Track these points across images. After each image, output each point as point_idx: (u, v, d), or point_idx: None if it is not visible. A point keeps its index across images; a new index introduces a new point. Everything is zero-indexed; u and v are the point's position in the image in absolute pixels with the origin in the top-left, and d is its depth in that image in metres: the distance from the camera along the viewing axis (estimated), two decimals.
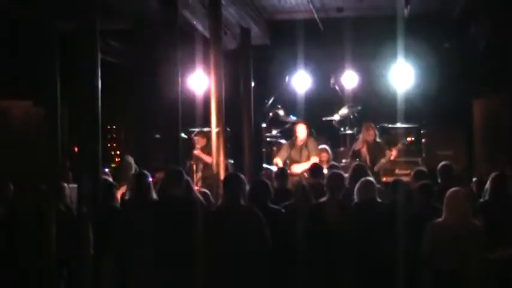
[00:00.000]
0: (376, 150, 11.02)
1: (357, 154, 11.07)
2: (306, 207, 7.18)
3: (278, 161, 11.21)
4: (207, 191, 8.24)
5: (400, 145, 11.22)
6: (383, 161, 10.85)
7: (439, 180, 8.21)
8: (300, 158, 11.15)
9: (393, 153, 10.89)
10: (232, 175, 7.30)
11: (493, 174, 7.48)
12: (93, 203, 6.43)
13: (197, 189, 8.82)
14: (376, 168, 10.63)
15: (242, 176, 6.79)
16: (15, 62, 11.03)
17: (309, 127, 11.48)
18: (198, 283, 6.68)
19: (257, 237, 6.49)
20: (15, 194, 8.09)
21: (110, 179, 8.09)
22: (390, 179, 9.00)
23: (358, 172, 8.26)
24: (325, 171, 9.38)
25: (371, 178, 7.50)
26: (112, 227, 7.03)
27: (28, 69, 10.14)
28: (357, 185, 7.21)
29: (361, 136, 11.33)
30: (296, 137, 11.34)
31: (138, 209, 7.15)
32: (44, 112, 8.31)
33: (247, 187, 7.12)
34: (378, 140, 11.29)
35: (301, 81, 13.85)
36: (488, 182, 7.47)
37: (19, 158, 10.46)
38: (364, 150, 11.00)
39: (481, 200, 7.44)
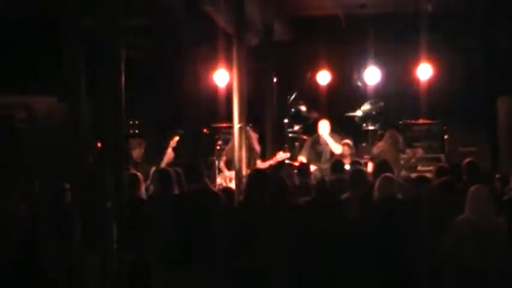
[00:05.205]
0: (398, 152, 10.98)
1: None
2: (326, 204, 7.16)
3: (302, 158, 11.15)
4: (230, 186, 8.26)
5: (420, 150, 11.18)
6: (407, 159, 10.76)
7: (464, 177, 8.16)
8: (323, 154, 11.10)
9: (416, 155, 10.88)
10: (255, 172, 7.33)
11: None
12: (117, 198, 6.47)
13: (219, 185, 8.87)
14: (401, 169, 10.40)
15: (265, 172, 6.81)
16: (39, 58, 11.12)
17: (331, 123, 11.45)
18: (219, 278, 6.72)
19: (279, 234, 6.51)
20: (39, 190, 8.17)
21: (134, 172, 8.14)
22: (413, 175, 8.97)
23: (381, 168, 8.21)
24: (347, 167, 9.35)
25: (391, 174, 7.47)
26: (136, 221, 7.07)
27: (52, 66, 10.24)
28: (377, 182, 7.15)
29: (384, 143, 11.20)
30: (319, 134, 11.31)
31: (161, 204, 7.20)
32: (68, 108, 8.38)
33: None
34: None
35: (323, 77, 13.82)
36: None
37: (43, 154, 10.55)
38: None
39: (505, 197, 7.39)
